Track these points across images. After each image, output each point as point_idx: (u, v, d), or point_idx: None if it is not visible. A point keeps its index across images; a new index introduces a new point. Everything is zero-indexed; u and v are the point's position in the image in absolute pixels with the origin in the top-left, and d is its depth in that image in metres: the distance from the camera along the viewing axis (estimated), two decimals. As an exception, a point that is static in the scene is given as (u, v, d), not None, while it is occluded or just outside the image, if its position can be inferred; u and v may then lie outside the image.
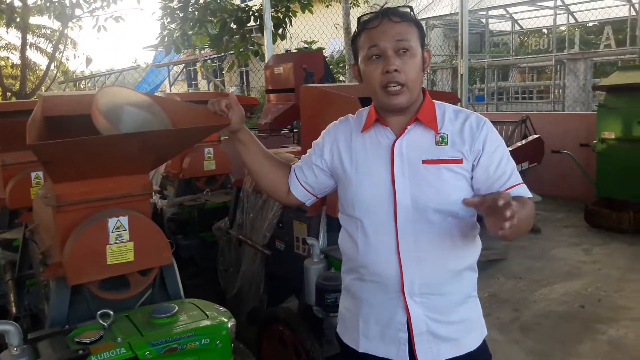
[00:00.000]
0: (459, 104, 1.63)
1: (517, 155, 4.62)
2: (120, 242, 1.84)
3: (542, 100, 15.32)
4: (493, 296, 4.11)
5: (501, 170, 1.44)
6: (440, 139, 1.45)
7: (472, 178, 1.46)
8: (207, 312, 1.88)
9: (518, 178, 1.47)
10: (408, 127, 1.47)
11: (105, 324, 1.75)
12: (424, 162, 1.44)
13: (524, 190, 1.46)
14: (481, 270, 1.58)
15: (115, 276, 1.90)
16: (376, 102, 1.51)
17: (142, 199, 1.98)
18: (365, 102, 1.70)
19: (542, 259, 4.94)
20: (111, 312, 1.77)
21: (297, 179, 1.65)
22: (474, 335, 1.53)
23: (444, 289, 1.46)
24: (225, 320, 1.85)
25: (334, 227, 2.72)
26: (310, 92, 2.98)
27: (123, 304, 1.96)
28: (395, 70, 1.40)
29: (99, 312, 1.76)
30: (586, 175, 6.08)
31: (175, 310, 1.83)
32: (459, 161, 1.44)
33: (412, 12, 1.47)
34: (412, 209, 1.43)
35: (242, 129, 1.61)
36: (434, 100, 1.53)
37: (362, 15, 1.49)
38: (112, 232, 1.82)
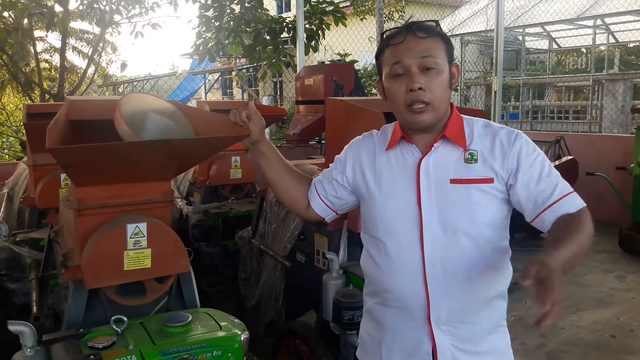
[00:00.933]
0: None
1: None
2: (138, 249, 1.84)
3: (577, 121, 14.95)
4: (519, 320, 3.97)
5: (544, 184, 1.34)
6: (470, 156, 1.38)
7: (509, 195, 1.38)
8: (221, 324, 1.86)
9: (565, 188, 1.35)
10: (435, 145, 1.41)
11: (119, 330, 1.75)
12: (452, 181, 1.37)
13: (574, 202, 1.34)
14: (507, 292, 1.50)
15: (132, 282, 1.90)
16: (400, 120, 1.45)
17: (162, 206, 1.99)
18: (390, 116, 1.67)
19: (573, 284, 4.77)
20: (125, 318, 1.77)
21: (317, 193, 1.60)
22: None
23: (473, 318, 1.39)
24: (239, 332, 1.83)
25: (355, 242, 2.68)
26: (336, 104, 2.96)
27: (139, 310, 1.96)
28: (420, 89, 1.34)
29: (113, 318, 1.77)
30: (622, 199, 5.87)
31: (189, 320, 1.81)
32: (490, 180, 1.37)
33: (438, 27, 1.41)
34: (440, 232, 1.37)
35: (262, 140, 1.58)
36: (462, 115, 1.46)
37: (385, 31, 1.44)
38: (130, 237, 1.83)
